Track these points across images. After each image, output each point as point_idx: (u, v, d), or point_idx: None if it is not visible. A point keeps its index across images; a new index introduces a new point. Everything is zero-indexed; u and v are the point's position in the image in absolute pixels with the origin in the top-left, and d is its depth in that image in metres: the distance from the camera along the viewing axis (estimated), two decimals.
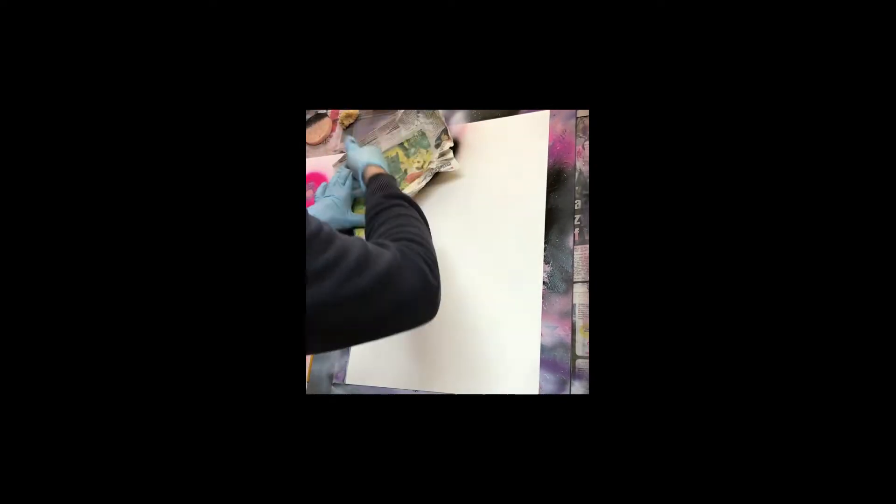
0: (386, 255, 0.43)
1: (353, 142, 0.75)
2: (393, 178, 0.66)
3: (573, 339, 0.58)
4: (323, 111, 0.89)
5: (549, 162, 0.68)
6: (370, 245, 0.44)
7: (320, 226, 0.40)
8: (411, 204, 0.58)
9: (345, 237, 0.42)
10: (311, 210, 0.73)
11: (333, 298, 0.38)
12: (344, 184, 0.75)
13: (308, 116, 0.90)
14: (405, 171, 0.78)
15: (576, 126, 0.68)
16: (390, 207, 0.56)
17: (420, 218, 0.56)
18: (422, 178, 0.73)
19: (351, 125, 0.86)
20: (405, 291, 0.43)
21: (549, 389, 0.57)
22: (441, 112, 0.76)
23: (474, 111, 0.76)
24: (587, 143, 0.66)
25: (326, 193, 0.76)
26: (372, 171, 0.67)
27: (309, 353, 0.40)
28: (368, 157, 0.70)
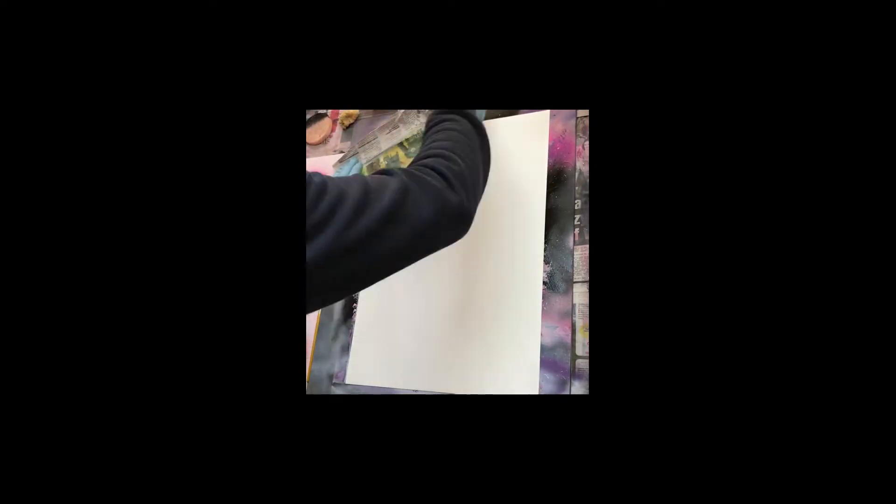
0: (390, 184, 0.40)
1: None
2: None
3: (573, 339, 0.58)
4: (323, 111, 0.89)
5: (549, 162, 0.67)
6: (371, 180, 0.40)
7: (310, 177, 0.38)
8: (467, 118, 0.53)
9: (341, 180, 0.39)
10: None
11: (337, 249, 0.36)
12: None
13: (308, 116, 0.90)
14: None
15: (576, 126, 0.68)
16: (438, 123, 0.52)
17: (465, 130, 0.51)
18: None
19: (351, 125, 0.86)
20: (417, 219, 0.39)
21: (549, 389, 0.57)
22: None
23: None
24: (587, 143, 0.66)
25: None
26: None
27: (316, 308, 0.38)
28: None
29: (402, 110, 0.77)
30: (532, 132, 0.70)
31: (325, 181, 0.38)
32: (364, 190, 0.39)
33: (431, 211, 0.41)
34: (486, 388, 0.60)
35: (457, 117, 0.53)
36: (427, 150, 0.47)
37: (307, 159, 0.87)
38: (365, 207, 0.38)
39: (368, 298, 0.73)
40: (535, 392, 0.57)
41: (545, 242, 0.63)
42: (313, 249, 0.35)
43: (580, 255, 0.61)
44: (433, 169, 0.43)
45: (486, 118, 0.75)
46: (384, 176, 0.42)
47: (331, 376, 0.72)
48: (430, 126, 0.53)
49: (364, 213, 0.37)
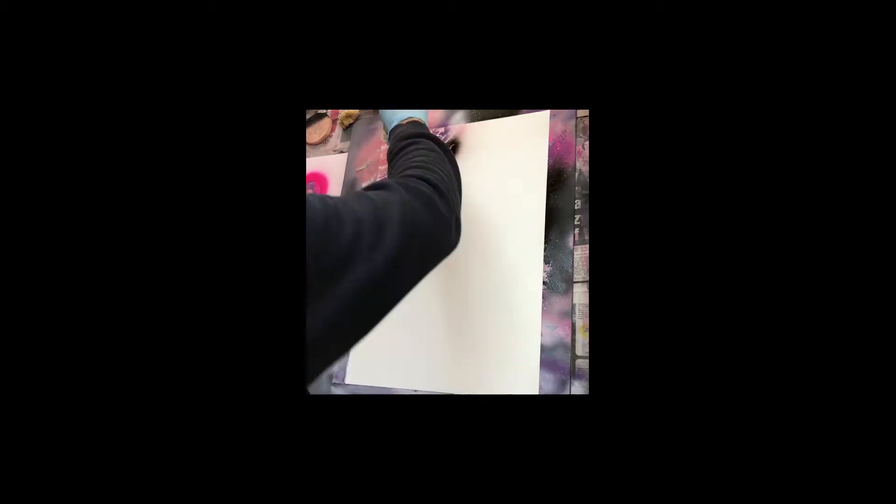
0: (392, 199, 0.38)
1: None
2: (418, 123, 0.59)
3: (573, 339, 0.58)
4: (323, 111, 0.89)
5: (549, 162, 0.67)
6: (374, 196, 0.39)
7: (322, 200, 0.35)
8: (430, 138, 0.53)
9: (345, 201, 0.37)
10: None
11: (373, 276, 0.34)
12: None
13: (308, 116, 0.90)
14: None
15: (576, 126, 0.68)
16: (403, 149, 0.52)
17: (432, 148, 0.52)
18: None
19: (351, 125, 0.86)
20: (425, 231, 0.38)
21: (549, 389, 0.57)
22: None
23: (474, 111, 0.76)
24: (587, 143, 0.66)
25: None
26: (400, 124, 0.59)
27: (337, 359, 0.36)
28: (401, 114, 0.60)
29: None
30: (532, 132, 0.70)
31: (336, 204, 0.36)
32: (372, 208, 0.37)
33: (431, 223, 0.40)
34: (486, 388, 0.60)
35: (420, 139, 0.53)
36: (406, 165, 0.47)
37: (307, 159, 0.87)
38: (383, 227, 0.36)
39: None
40: (535, 392, 0.57)
41: (545, 242, 0.63)
42: (354, 281, 0.32)
43: (580, 255, 0.61)
44: (421, 180, 0.43)
45: (487, 118, 0.75)
46: (384, 192, 0.40)
47: (331, 376, 0.72)
48: (393, 153, 0.54)
49: (383, 233, 0.35)
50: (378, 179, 0.47)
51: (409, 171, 0.45)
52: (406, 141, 0.53)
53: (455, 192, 0.48)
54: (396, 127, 0.59)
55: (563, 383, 0.57)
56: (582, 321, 0.58)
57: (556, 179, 0.66)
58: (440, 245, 0.42)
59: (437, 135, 0.77)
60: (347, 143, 0.85)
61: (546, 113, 0.70)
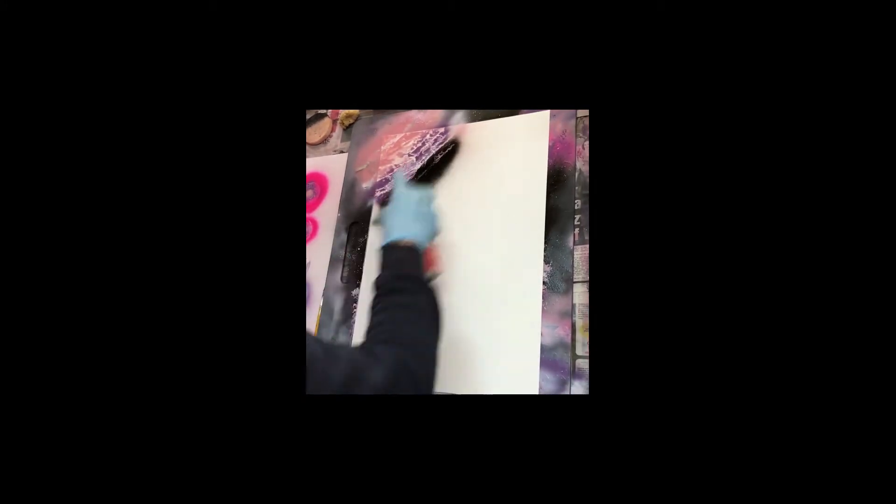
0: (376, 375, 0.40)
1: (405, 181, 0.60)
2: (413, 251, 0.53)
3: (573, 339, 0.58)
4: (323, 111, 0.89)
5: (549, 162, 0.67)
6: (360, 360, 0.41)
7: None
8: (420, 288, 0.50)
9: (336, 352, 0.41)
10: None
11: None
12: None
13: (308, 116, 0.90)
14: None
15: (576, 126, 0.68)
16: (391, 293, 0.49)
17: (426, 309, 0.49)
18: None
19: (351, 125, 0.86)
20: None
21: (549, 389, 0.57)
22: None
23: (474, 111, 0.76)
24: (587, 143, 0.66)
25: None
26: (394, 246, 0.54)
27: None
28: (401, 228, 0.54)
29: None
30: (532, 132, 0.70)
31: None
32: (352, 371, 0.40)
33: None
34: (486, 388, 0.60)
35: (409, 287, 0.50)
36: (393, 335, 0.46)
37: (307, 159, 0.87)
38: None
39: (369, 298, 0.73)
40: (535, 392, 0.57)
41: (545, 242, 0.63)
42: None
43: (580, 255, 0.61)
44: (408, 371, 0.43)
45: (487, 118, 0.75)
46: (370, 359, 0.42)
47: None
48: (381, 291, 0.51)
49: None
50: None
51: (397, 351, 0.44)
52: (396, 283, 0.50)
53: (426, 360, 0.46)
54: (392, 248, 0.54)
55: (563, 383, 0.57)
56: (582, 321, 0.58)
57: (556, 179, 0.66)
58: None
59: (438, 134, 0.77)
60: (347, 143, 0.85)
61: (546, 113, 0.70)
